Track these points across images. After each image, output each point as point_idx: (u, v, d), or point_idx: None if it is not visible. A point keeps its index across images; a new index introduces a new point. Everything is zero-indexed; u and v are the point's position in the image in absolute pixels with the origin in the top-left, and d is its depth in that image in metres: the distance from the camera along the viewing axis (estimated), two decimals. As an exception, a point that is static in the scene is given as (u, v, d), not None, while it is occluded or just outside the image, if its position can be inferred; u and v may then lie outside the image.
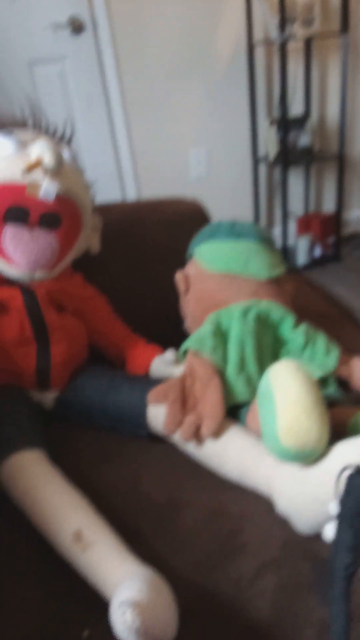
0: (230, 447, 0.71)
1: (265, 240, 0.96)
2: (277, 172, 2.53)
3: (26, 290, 0.80)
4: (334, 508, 0.54)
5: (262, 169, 2.53)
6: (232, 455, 0.71)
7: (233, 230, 0.94)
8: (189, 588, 0.63)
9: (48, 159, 0.76)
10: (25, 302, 0.80)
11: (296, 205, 2.65)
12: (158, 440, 0.80)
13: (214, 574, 0.64)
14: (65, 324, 0.84)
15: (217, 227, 0.97)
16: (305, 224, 2.52)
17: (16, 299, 0.79)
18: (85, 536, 0.62)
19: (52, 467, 0.71)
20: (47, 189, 0.77)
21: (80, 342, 0.87)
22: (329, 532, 0.55)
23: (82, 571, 0.62)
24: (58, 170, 0.78)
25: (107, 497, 0.72)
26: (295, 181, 2.60)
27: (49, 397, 0.84)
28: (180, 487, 0.74)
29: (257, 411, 0.69)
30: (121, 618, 0.52)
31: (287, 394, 0.61)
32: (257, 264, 0.90)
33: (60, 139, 0.89)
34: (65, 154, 0.84)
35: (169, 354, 0.85)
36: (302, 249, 2.48)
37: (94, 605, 0.59)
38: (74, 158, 0.86)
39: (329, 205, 2.71)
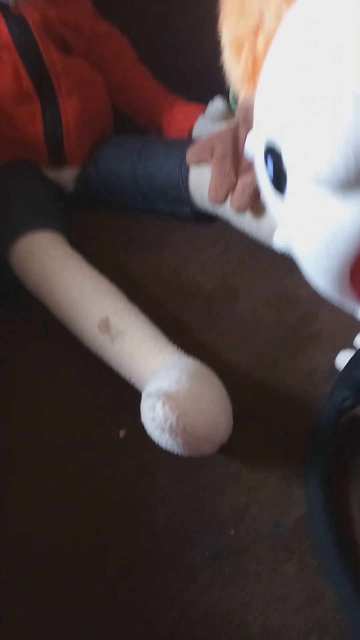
0: None
1: None
2: None
3: (12, 17, 0.59)
4: None
5: None
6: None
7: None
8: (246, 384, 0.51)
9: None
10: (13, 35, 0.59)
11: None
12: (206, 221, 0.63)
13: (279, 368, 0.51)
14: (74, 68, 0.63)
15: None
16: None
17: (0, 33, 0.59)
18: (113, 324, 0.49)
19: (74, 251, 0.57)
20: None
21: (97, 99, 0.67)
22: None
23: (113, 364, 0.50)
24: None
25: (143, 286, 0.59)
26: None
27: (67, 176, 0.67)
28: (234, 273, 0.59)
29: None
30: (149, 413, 0.41)
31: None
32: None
33: None
34: None
35: (218, 103, 0.64)
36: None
37: (131, 402, 0.48)
38: None
39: None
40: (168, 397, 0.40)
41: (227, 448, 0.46)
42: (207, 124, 0.65)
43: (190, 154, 0.58)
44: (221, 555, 0.43)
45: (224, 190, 0.55)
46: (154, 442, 0.43)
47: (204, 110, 0.67)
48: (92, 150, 0.67)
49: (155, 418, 0.40)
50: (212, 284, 0.58)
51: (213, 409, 0.43)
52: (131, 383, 0.49)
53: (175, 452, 0.43)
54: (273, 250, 0.55)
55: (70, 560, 0.44)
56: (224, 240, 0.61)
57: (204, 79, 0.66)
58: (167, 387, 0.42)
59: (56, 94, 0.62)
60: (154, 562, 0.43)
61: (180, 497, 0.46)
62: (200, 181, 0.59)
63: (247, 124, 0.57)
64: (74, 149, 0.65)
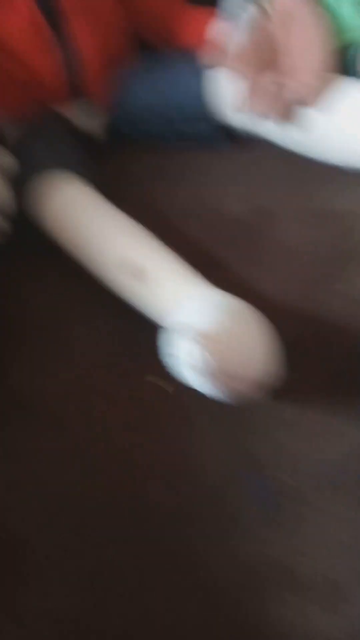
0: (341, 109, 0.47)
1: None
2: None
3: None
4: None
5: None
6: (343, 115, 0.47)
7: None
8: (288, 315, 0.47)
9: None
10: None
11: None
12: (237, 144, 0.58)
13: (321, 293, 0.47)
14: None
15: None
16: None
17: None
18: (135, 262, 0.47)
19: (96, 192, 0.54)
20: None
21: (111, 23, 0.62)
22: None
23: (140, 306, 0.48)
24: None
25: (173, 221, 0.55)
26: None
27: (96, 123, 0.64)
28: (269, 196, 0.55)
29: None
30: (180, 352, 0.39)
31: None
32: None
33: None
34: None
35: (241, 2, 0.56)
36: None
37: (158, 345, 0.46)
38: None
39: None
40: (203, 336, 0.38)
41: (270, 389, 0.44)
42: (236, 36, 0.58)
43: (206, 59, 0.53)
44: (267, 497, 0.41)
45: (249, 95, 0.49)
46: (190, 386, 0.41)
47: (217, 15, 0.60)
48: (113, 82, 0.63)
49: (191, 361, 0.38)
50: (245, 210, 0.54)
51: (253, 347, 0.40)
52: (159, 325, 0.46)
53: (218, 397, 0.41)
54: (305, 161, 0.49)
55: (110, 514, 0.42)
56: (256, 163, 0.56)
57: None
58: (202, 326, 0.39)
59: (69, 24, 0.58)
60: (198, 507, 0.42)
61: (222, 440, 0.44)
62: (225, 93, 0.54)
63: (284, 19, 0.49)
64: (94, 78, 0.62)
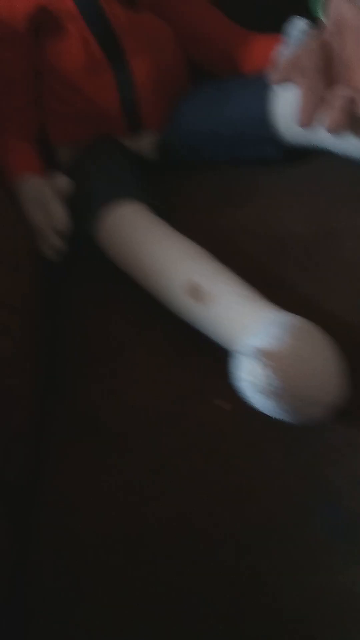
0: None
1: None
2: None
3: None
4: None
5: None
6: None
7: None
8: (357, 335, 0.45)
9: None
10: (77, 1, 0.56)
11: None
12: (299, 160, 0.57)
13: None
14: (141, 24, 0.59)
15: None
16: None
17: (64, 2, 0.56)
18: (203, 287, 0.46)
19: (157, 218, 0.54)
20: None
21: (168, 52, 0.63)
22: None
23: (207, 331, 0.47)
24: None
25: (233, 244, 0.54)
26: None
27: (147, 143, 0.64)
28: (336, 214, 0.53)
29: None
30: (249, 377, 0.37)
31: None
32: None
33: None
34: None
35: (299, 23, 0.56)
36: None
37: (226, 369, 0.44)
38: None
39: None
40: (269, 357, 0.36)
41: (343, 412, 0.42)
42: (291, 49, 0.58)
43: (273, 74, 0.52)
44: (337, 526, 0.39)
45: (313, 109, 0.48)
46: (258, 410, 0.39)
47: (281, 40, 0.60)
48: (169, 110, 0.63)
49: (257, 382, 0.37)
50: (310, 230, 0.52)
51: (322, 367, 0.39)
52: (228, 350, 0.45)
53: (282, 420, 0.39)
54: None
55: (179, 541, 0.41)
56: (321, 179, 0.55)
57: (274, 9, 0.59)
58: (267, 345, 0.37)
59: (125, 55, 0.59)
60: (266, 537, 0.40)
61: (293, 468, 0.42)
62: (287, 111, 0.53)
63: (339, 25, 0.49)
64: (150, 110, 0.62)
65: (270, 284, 0.48)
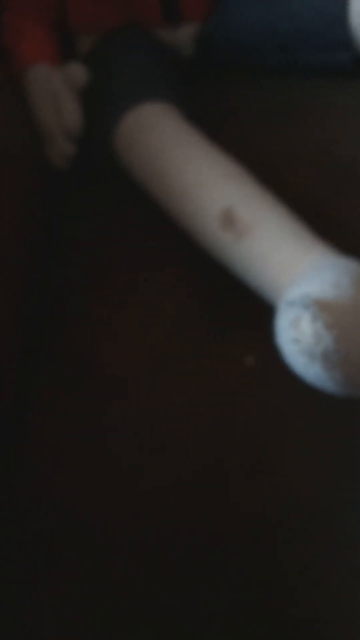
0: None
1: None
2: None
3: None
4: None
5: None
6: None
7: None
8: None
9: None
10: None
11: None
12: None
13: None
14: None
15: None
16: None
17: None
18: (240, 216, 0.37)
19: (192, 126, 0.44)
20: None
21: None
22: None
23: (240, 270, 0.38)
24: None
25: (284, 168, 0.45)
26: None
27: (185, 35, 0.53)
28: None
29: None
30: (290, 332, 0.28)
31: None
32: None
33: None
34: None
35: None
36: None
37: (262, 319, 0.36)
38: None
39: None
40: (322, 308, 0.28)
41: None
42: None
43: None
44: None
45: None
46: (292, 375, 0.31)
47: None
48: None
49: (301, 338, 0.28)
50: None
51: None
52: (265, 295, 0.37)
53: (327, 390, 0.31)
54: None
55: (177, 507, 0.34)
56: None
57: None
58: (319, 292, 0.29)
59: None
60: (293, 526, 0.33)
61: (326, 451, 0.35)
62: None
63: None
64: None
65: (329, 222, 0.39)
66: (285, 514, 0.34)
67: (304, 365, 0.30)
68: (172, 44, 0.53)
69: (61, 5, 0.53)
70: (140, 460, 0.37)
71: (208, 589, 0.33)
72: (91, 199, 0.48)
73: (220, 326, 0.40)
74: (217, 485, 0.35)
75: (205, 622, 0.32)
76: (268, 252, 0.36)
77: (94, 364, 0.41)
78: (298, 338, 0.29)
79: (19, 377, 0.40)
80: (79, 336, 0.42)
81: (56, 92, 0.47)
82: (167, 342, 0.41)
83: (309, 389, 0.32)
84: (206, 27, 0.52)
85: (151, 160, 0.42)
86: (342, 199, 0.42)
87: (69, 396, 0.40)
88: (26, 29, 0.52)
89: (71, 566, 0.34)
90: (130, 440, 0.37)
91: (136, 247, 0.45)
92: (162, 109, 0.44)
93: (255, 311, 0.37)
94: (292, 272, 0.34)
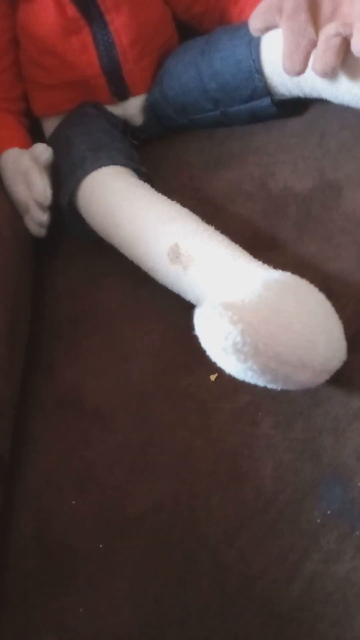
0: None
1: None
2: None
3: None
4: None
5: None
6: None
7: None
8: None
9: None
10: None
11: None
12: (294, 113, 0.52)
13: None
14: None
15: None
16: None
17: None
18: (184, 249, 0.42)
19: (140, 181, 0.50)
20: None
21: (151, 9, 0.58)
22: None
23: (191, 297, 0.42)
24: None
25: (226, 205, 0.50)
26: None
27: (133, 107, 0.60)
28: (334, 166, 0.47)
29: None
30: (207, 332, 0.32)
31: None
32: None
33: None
34: None
35: None
36: None
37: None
38: None
39: None
40: (226, 307, 0.31)
41: (344, 380, 0.36)
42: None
43: (254, 20, 0.46)
44: (349, 513, 0.34)
45: (301, 53, 0.43)
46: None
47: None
48: (156, 71, 0.59)
49: (213, 336, 0.31)
50: (307, 185, 0.47)
51: (304, 323, 0.33)
52: None
53: (259, 382, 0.34)
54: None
55: (167, 525, 0.38)
56: (318, 130, 0.50)
57: None
58: (236, 300, 0.32)
59: (103, 12, 0.55)
60: (264, 525, 0.36)
61: (290, 444, 0.37)
62: (275, 58, 0.48)
63: None
64: (135, 72, 0.58)
65: (265, 246, 0.44)
66: (266, 517, 0.36)
67: (223, 361, 0.33)
68: (123, 115, 0.60)
69: (26, 97, 0.61)
70: (127, 485, 0.40)
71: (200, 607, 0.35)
72: (66, 253, 0.54)
73: (193, 352, 0.44)
74: (195, 500, 0.38)
75: None
76: (210, 277, 0.40)
77: (79, 400, 0.45)
78: (211, 337, 0.32)
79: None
80: (63, 376, 0.46)
81: (26, 171, 0.53)
82: (145, 376, 0.44)
83: (266, 390, 0.35)
84: (150, 97, 0.59)
85: (107, 214, 0.48)
86: (277, 226, 0.46)
87: (58, 432, 0.44)
88: None
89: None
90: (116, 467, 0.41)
91: (111, 290, 0.50)
92: (115, 171, 0.50)
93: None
94: (228, 289, 0.38)
